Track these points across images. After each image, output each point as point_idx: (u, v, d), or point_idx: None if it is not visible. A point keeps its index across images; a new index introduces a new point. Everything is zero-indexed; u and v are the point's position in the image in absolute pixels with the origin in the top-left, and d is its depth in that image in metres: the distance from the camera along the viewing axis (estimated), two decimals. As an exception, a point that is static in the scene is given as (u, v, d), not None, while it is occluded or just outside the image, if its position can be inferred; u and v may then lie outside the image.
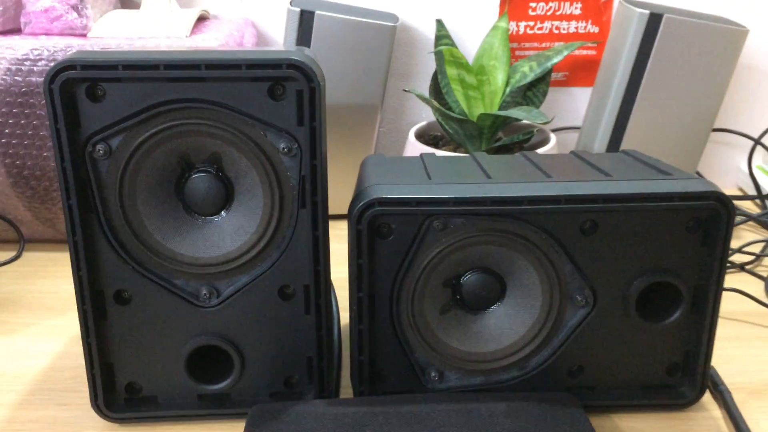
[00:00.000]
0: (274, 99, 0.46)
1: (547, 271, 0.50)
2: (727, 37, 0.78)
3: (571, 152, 0.59)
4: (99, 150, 0.46)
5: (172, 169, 0.47)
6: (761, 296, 0.71)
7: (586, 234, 0.49)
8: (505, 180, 0.50)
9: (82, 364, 0.59)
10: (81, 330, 0.49)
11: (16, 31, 0.78)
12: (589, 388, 0.53)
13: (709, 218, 0.49)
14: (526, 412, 0.48)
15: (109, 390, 0.52)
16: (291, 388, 0.53)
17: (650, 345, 0.52)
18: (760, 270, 0.77)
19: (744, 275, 0.75)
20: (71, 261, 0.48)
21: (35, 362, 0.60)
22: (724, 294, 0.69)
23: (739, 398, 0.55)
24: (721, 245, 0.49)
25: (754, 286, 0.73)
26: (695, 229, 0.49)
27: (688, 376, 0.53)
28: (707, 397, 0.55)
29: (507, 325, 0.51)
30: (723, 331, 0.64)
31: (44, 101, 0.71)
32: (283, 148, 0.47)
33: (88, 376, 0.50)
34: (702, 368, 0.52)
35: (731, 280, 0.74)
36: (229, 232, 0.49)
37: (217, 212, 0.49)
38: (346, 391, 0.56)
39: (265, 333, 0.51)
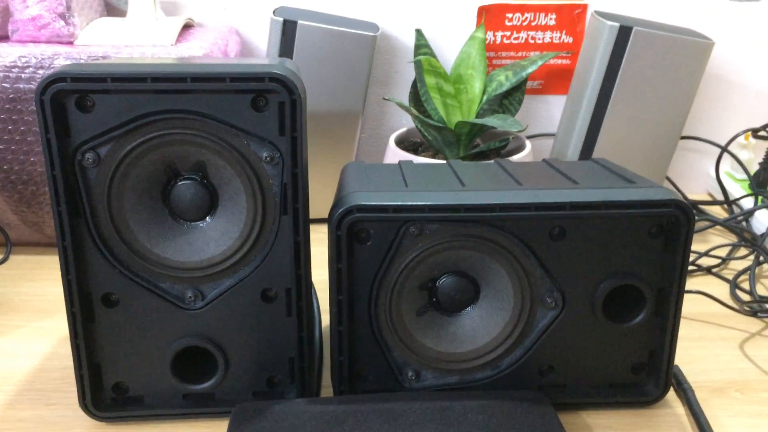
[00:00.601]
0: (257, 110, 0.48)
1: (518, 275, 0.52)
2: (693, 49, 0.81)
3: (543, 160, 0.62)
4: (88, 158, 0.48)
5: (158, 176, 0.49)
6: (727, 299, 0.74)
7: (555, 239, 0.51)
8: (478, 187, 0.52)
9: (70, 365, 0.61)
10: (69, 331, 0.51)
11: (4, 38, 0.80)
12: (559, 387, 0.55)
13: (670, 225, 0.52)
14: (499, 409, 0.50)
15: (96, 390, 0.53)
16: (273, 388, 0.55)
17: (616, 345, 0.54)
18: (726, 273, 0.80)
19: (711, 278, 0.78)
20: (60, 265, 0.49)
21: (23, 363, 0.62)
22: (690, 296, 0.72)
23: (701, 396, 0.57)
24: (681, 250, 0.51)
25: (720, 289, 0.76)
26: (658, 235, 0.52)
27: (653, 375, 0.55)
28: (671, 395, 0.57)
29: (481, 327, 0.54)
30: (688, 331, 0.67)
31: (31, 107, 0.73)
32: (266, 157, 0.49)
33: (76, 376, 0.52)
34: (665, 367, 0.54)
35: (698, 282, 0.77)
36: (214, 237, 0.50)
37: (202, 218, 0.51)
38: (327, 390, 0.58)
39: (248, 334, 0.53)
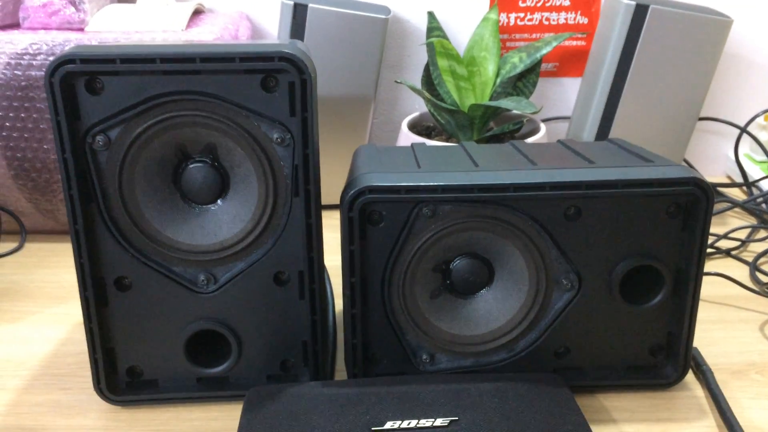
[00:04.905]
0: (267, 91, 0.47)
1: (533, 256, 0.51)
2: (711, 27, 0.79)
3: (558, 141, 0.61)
4: (98, 141, 0.47)
5: (169, 159, 0.49)
6: (746, 281, 0.73)
7: (571, 219, 0.51)
8: (491, 168, 0.51)
9: (84, 350, 0.61)
10: (83, 316, 0.51)
11: (15, 25, 0.80)
12: (575, 369, 0.55)
13: (688, 204, 0.51)
14: (515, 392, 0.50)
15: (111, 374, 0.53)
16: (287, 371, 0.55)
17: (634, 327, 0.54)
18: (745, 255, 0.78)
19: (730, 260, 0.77)
20: (73, 249, 0.49)
21: (39, 349, 0.62)
22: (709, 278, 0.71)
23: (721, 378, 0.56)
24: (701, 230, 0.51)
25: (740, 271, 0.74)
26: (676, 215, 0.51)
27: (671, 357, 0.54)
28: (690, 377, 0.57)
29: (495, 309, 0.53)
30: (707, 314, 0.66)
31: (44, 95, 0.73)
32: (277, 138, 0.48)
33: (90, 360, 0.52)
34: (684, 349, 0.54)
35: (718, 265, 0.76)
36: (225, 220, 0.50)
37: (213, 201, 0.50)
38: (341, 373, 0.57)
39: (261, 318, 0.53)
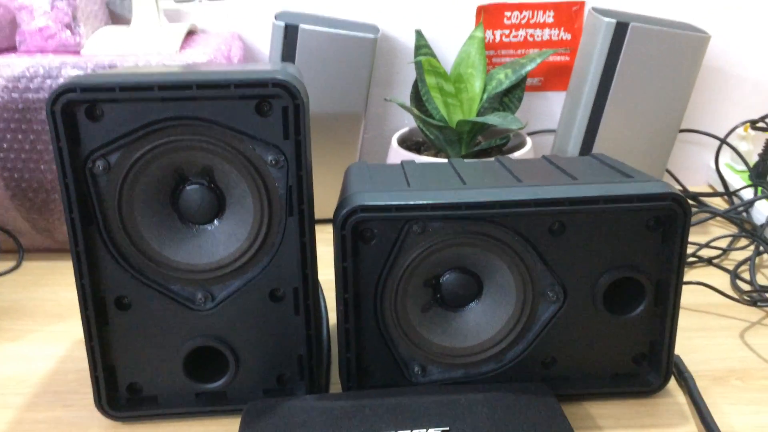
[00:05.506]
0: (261, 115, 0.49)
1: (520, 270, 0.53)
2: (690, 43, 0.82)
3: (543, 156, 0.63)
4: (98, 166, 0.49)
5: (167, 181, 0.51)
6: (727, 289, 0.75)
7: (555, 234, 0.53)
8: (479, 185, 0.53)
9: (85, 367, 0.62)
10: (84, 335, 0.52)
11: (12, 49, 0.81)
12: (562, 378, 0.56)
13: (667, 217, 0.53)
14: (504, 401, 0.51)
15: (111, 391, 0.55)
16: (283, 385, 0.56)
17: (617, 336, 0.56)
18: (726, 264, 0.81)
19: (711, 269, 0.79)
20: (74, 270, 0.51)
21: (39, 366, 0.63)
22: (691, 287, 0.73)
23: (702, 385, 0.58)
24: (679, 242, 0.53)
25: (721, 279, 0.77)
26: (655, 228, 0.53)
27: (654, 365, 0.56)
28: (672, 384, 0.59)
29: (484, 321, 0.55)
30: (689, 322, 0.68)
31: (40, 117, 0.74)
32: (271, 161, 0.50)
33: (91, 377, 0.54)
34: (666, 357, 0.56)
35: (699, 274, 0.78)
36: (222, 240, 0.52)
37: (210, 221, 0.52)
38: (336, 386, 0.59)
39: (257, 334, 0.54)
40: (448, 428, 0.48)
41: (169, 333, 0.53)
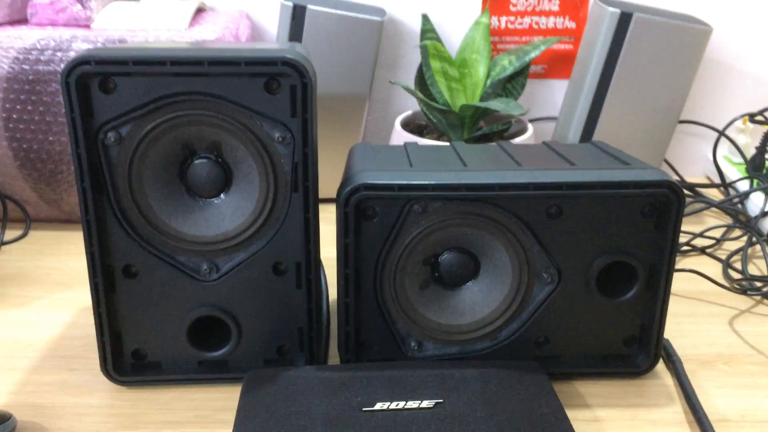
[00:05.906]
0: (269, 93, 0.50)
1: (516, 251, 0.55)
2: (692, 35, 0.83)
3: (543, 142, 0.64)
4: (110, 137, 0.50)
5: (176, 155, 0.52)
6: (719, 277, 0.76)
7: (552, 218, 0.54)
8: (479, 168, 0.55)
9: (90, 333, 0.64)
10: (92, 301, 0.54)
11: (23, 21, 0.82)
12: (554, 358, 0.58)
13: (661, 205, 0.54)
14: (496, 378, 0.53)
15: (117, 356, 0.56)
16: (283, 356, 0.58)
17: (609, 319, 0.57)
18: (719, 253, 0.82)
19: (705, 258, 0.81)
20: (84, 238, 0.52)
21: (46, 332, 0.65)
22: (683, 274, 0.75)
23: (690, 368, 0.60)
24: (672, 229, 0.54)
25: (713, 268, 0.78)
26: (650, 215, 0.54)
27: (643, 347, 0.58)
28: (661, 367, 0.60)
29: (480, 300, 0.56)
30: (680, 308, 0.70)
31: (50, 89, 0.76)
32: (278, 138, 0.51)
33: (98, 343, 0.55)
34: (655, 340, 0.57)
35: (692, 262, 0.80)
36: (228, 213, 0.53)
37: (217, 195, 0.53)
38: (334, 359, 0.60)
39: (259, 305, 0.56)
40: (441, 400, 0.50)
41: (174, 302, 0.55)
